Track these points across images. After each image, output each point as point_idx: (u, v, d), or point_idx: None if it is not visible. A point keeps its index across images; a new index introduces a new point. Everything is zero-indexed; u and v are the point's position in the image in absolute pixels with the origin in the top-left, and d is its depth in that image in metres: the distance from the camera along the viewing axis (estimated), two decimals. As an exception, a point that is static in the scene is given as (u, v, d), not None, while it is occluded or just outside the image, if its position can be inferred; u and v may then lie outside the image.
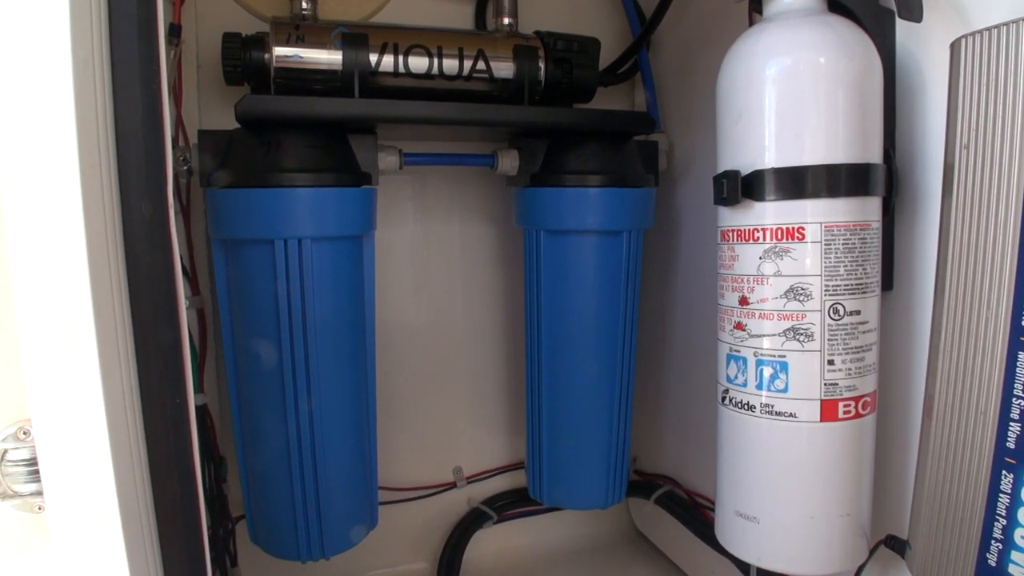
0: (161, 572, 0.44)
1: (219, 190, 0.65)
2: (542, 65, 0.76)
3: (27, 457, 0.44)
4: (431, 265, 0.93)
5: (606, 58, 0.83)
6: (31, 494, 0.45)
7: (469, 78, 0.74)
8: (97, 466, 0.38)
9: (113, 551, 0.40)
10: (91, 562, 0.40)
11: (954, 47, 0.47)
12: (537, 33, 0.78)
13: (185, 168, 0.66)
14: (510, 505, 0.97)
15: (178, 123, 0.71)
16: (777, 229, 0.52)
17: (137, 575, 0.40)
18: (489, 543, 0.98)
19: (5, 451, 0.44)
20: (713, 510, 0.83)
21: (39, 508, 0.45)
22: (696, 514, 0.86)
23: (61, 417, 0.38)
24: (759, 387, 0.54)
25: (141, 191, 0.38)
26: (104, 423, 0.38)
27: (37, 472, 0.43)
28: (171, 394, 0.41)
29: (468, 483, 0.96)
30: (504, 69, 0.75)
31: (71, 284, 0.37)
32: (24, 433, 0.44)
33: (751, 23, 0.61)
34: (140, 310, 0.40)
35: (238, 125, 0.66)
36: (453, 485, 0.96)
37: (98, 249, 0.37)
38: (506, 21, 0.80)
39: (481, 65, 0.74)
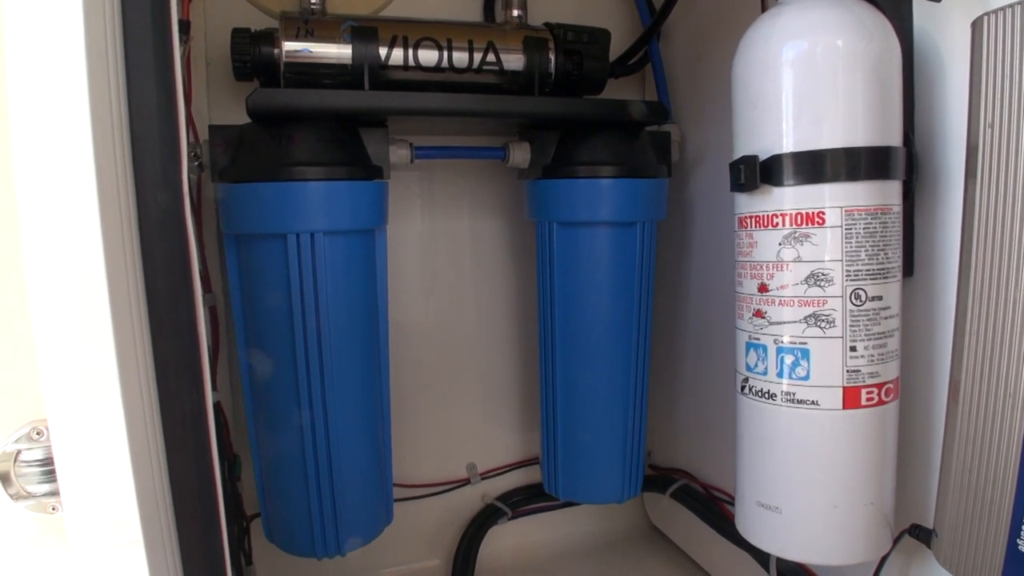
0: (180, 570, 0.43)
1: (231, 185, 0.64)
2: (552, 57, 0.76)
3: (41, 457, 0.44)
4: (441, 260, 0.92)
5: (616, 49, 0.83)
6: (45, 494, 0.44)
7: (479, 70, 0.73)
8: (115, 465, 0.38)
9: (132, 550, 0.39)
10: (110, 561, 0.39)
11: (976, 25, 0.46)
12: (547, 25, 0.78)
13: (196, 164, 0.66)
14: (524, 501, 0.96)
15: (188, 120, 0.71)
16: (796, 214, 0.51)
17: (157, 574, 0.40)
18: (504, 539, 0.98)
19: (19, 452, 0.43)
20: (730, 503, 0.83)
21: (53, 508, 0.44)
22: (713, 508, 0.86)
23: (78, 416, 0.37)
24: (780, 375, 0.53)
25: (156, 180, 0.38)
26: (122, 420, 0.38)
27: (51, 473, 0.43)
28: (189, 389, 0.40)
29: (482, 479, 0.96)
30: (514, 61, 0.74)
31: (87, 280, 0.36)
32: (37, 433, 0.44)
33: (764, 8, 0.61)
34: (157, 304, 0.39)
35: (248, 121, 0.66)
36: (467, 481, 0.95)
37: (114, 242, 0.37)
38: (515, 13, 0.80)
39: (491, 57, 0.73)
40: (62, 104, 0.34)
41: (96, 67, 0.35)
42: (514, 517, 0.96)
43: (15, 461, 0.43)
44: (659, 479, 0.94)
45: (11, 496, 0.44)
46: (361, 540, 0.73)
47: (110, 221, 0.37)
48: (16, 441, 0.43)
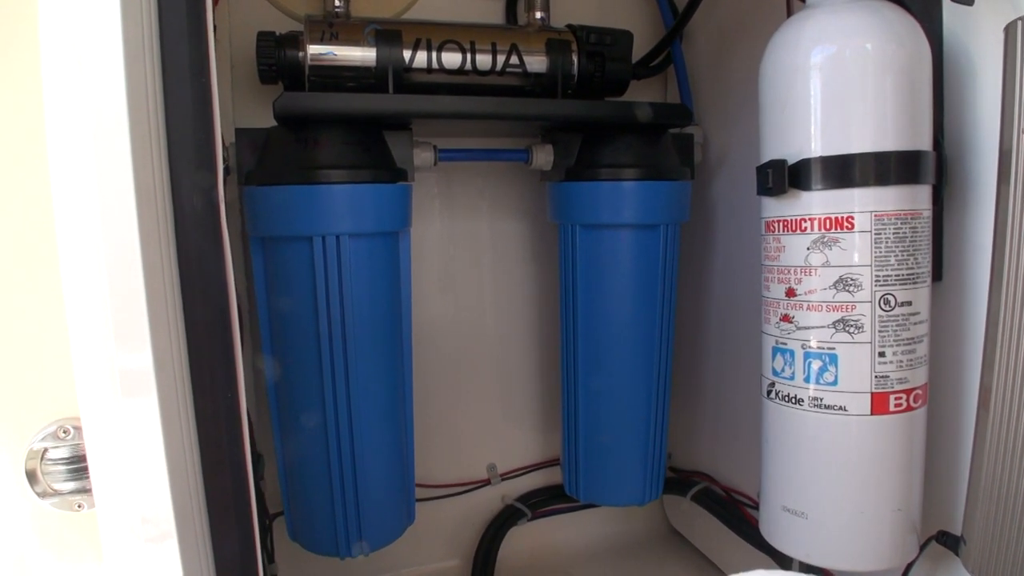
0: (212, 566, 0.44)
1: (257, 188, 0.65)
2: (575, 59, 0.76)
3: (67, 456, 0.44)
4: (461, 262, 0.92)
5: (639, 51, 0.82)
6: (70, 492, 0.45)
7: (502, 73, 0.74)
8: (150, 461, 0.38)
9: (165, 544, 0.40)
10: (142, 556, 0.40)
11: (1009, 30, 0.46)
12: (569, 26, 0.78)
13: (223, 167, 0.67)
14: (544, 502, 0.96)
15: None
16: (825, 219, 0.51)
17: (190, 569, 0.40)
18: (523, 540, 0.98)
19: (45, 450, 0.44)
20: (751, 507, 0.82)
21: (78, 506, 0.45)
22: (734, 511, 0.85)
23: (113, 413, 0.38)
24: (807, 380, 0.53)
25: (192, 181, 0.38)
26: (158, 419, 0.38)
27: (77, 471, 0.43)
28: (223, 386, 0.41)
29: (502, 480, 0.96)
30: (537, 63, 0.74)
31: (125, 281, 0.36)
32: (64, 432, 0.44)
33: (790, 12, 0.61)
34: (192, 300, 0.40)
35: (273, 124, 0.66)
36: (487, 482, 0.95)
37: (151, 243, 0.37)
38: (538, 15, 0.80)
39: (514, 59, 0.74)
40: (101, 105, 0.35)
41: (134, 70, 0.36)
42: (534, 518, 0.96)
43: (42, 459, 0.44)
44: (679, 481, 0.94)
45: (37, 494, 0.44)
46: (383, 540, 0.73)
47: (147, 222, 0.37)
48: (42, 440, 0.44)
